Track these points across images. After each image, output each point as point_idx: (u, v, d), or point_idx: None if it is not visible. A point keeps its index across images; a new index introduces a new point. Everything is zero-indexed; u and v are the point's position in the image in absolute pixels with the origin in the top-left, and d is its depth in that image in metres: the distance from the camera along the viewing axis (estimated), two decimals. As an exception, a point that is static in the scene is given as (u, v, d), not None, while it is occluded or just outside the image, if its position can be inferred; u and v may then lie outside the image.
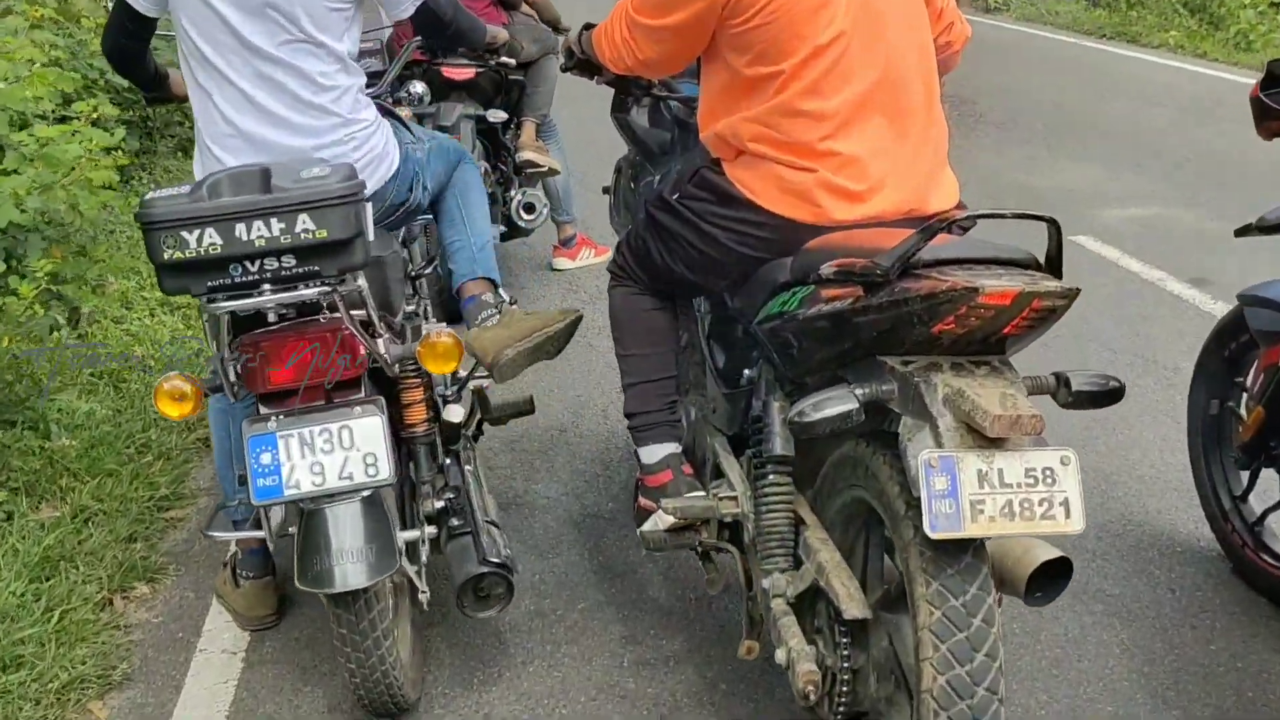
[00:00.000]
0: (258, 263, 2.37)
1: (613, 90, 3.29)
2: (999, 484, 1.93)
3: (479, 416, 3.55)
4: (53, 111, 5.12)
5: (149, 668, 3.18)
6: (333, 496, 2.51)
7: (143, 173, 6.94)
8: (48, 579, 3.36)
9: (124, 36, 3.00)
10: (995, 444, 1.94)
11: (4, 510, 3.58)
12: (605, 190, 3.74)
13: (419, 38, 3.66)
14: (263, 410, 2.56)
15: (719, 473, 2.78)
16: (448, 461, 3.15)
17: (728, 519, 2.64)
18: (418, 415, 2.96)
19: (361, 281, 2.55)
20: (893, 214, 2.44)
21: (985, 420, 1.89)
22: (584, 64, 3.07)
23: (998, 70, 11.30)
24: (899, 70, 2.46)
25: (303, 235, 2.35)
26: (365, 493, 2.53)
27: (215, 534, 2.92)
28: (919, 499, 1.94)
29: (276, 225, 2.34)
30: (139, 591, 3.51)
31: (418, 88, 4.68)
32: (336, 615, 2.60)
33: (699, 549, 2.77)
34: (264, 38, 2.77)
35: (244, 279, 2.38)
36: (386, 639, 2.64)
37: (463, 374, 3.19)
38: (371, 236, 2.54)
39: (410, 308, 3.26)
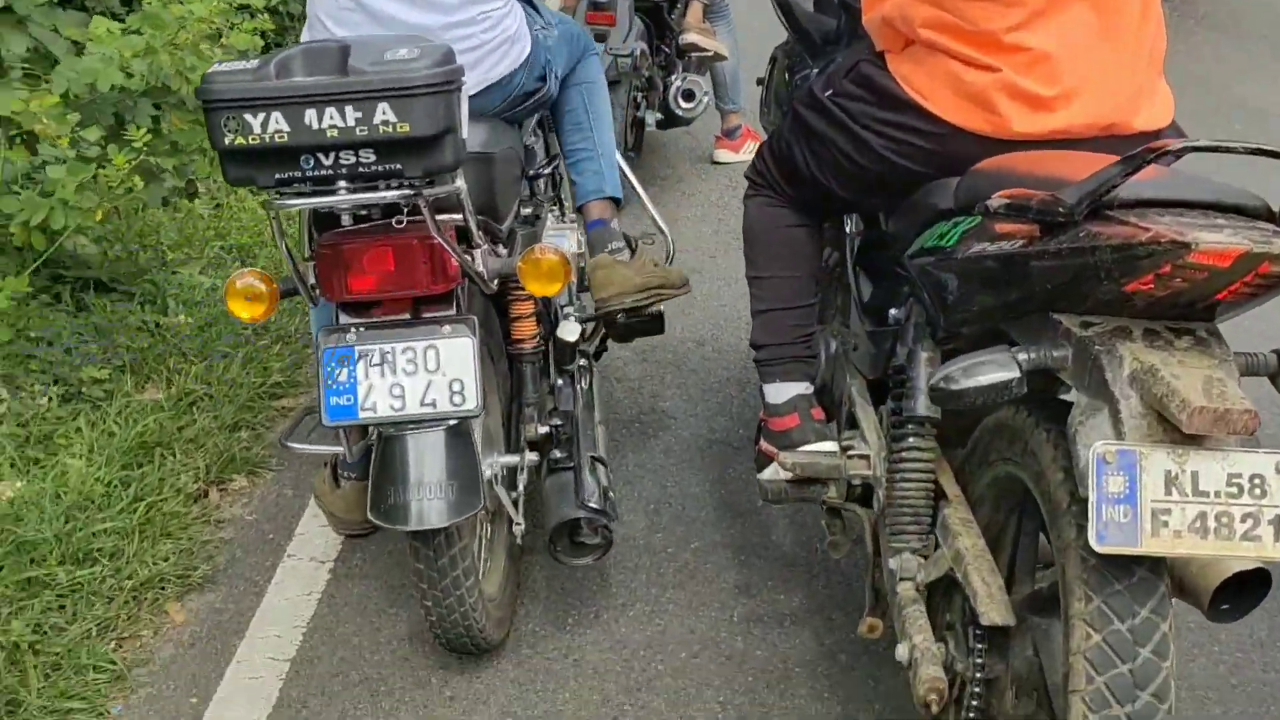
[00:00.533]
0: (332, 156, 2.04)
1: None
2: (1192, 492, 1.52)
3: (602, 332, 3.24)
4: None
5: (233, 570, 3.00)
6: (413, 424, 2.24)
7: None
8: (141, 466, 3.19)
9: None
10: (1191, 440, 1.53)
11: (104, 389, 3.41)
12: (759, 82, 3.33)
13: None
14: (342, 319, 2.27)
15: (853, 422, 2.41)
16: (559, 383, 2.88)
17: (856, 481, 2.28)
18: (526, 330, 2.68)
19: (460, 183, 2.20)
20: (1086, 129, 2.00)
21: (1182, 412, 1.48)
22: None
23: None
24: None
25: (381, 128, 2.01)
26: (450, 422, 2.25)
27: (293, 445, 2.63)
28: (1087, 499, 1.55)
29: (351, 114, 2.00)
30: (237, 484, 3.34)
31: None
32: (414, 550, 2.35)
33: (823, 505, 2.41)
34: None
35: (317, 173, 2.06)
36: (468, 578, 2.39)
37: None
38: (466, 132, 2.20)
39: (528, 210, 2.92)
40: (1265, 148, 1.55)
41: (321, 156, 2.04)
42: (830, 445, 2.36)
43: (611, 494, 2.64)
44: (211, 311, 3.93)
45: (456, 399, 2.21)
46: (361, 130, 2.01)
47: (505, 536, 2.72)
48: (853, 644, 2.62)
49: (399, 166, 2.07)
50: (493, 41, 2.60)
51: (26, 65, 3.30)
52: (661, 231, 3.41)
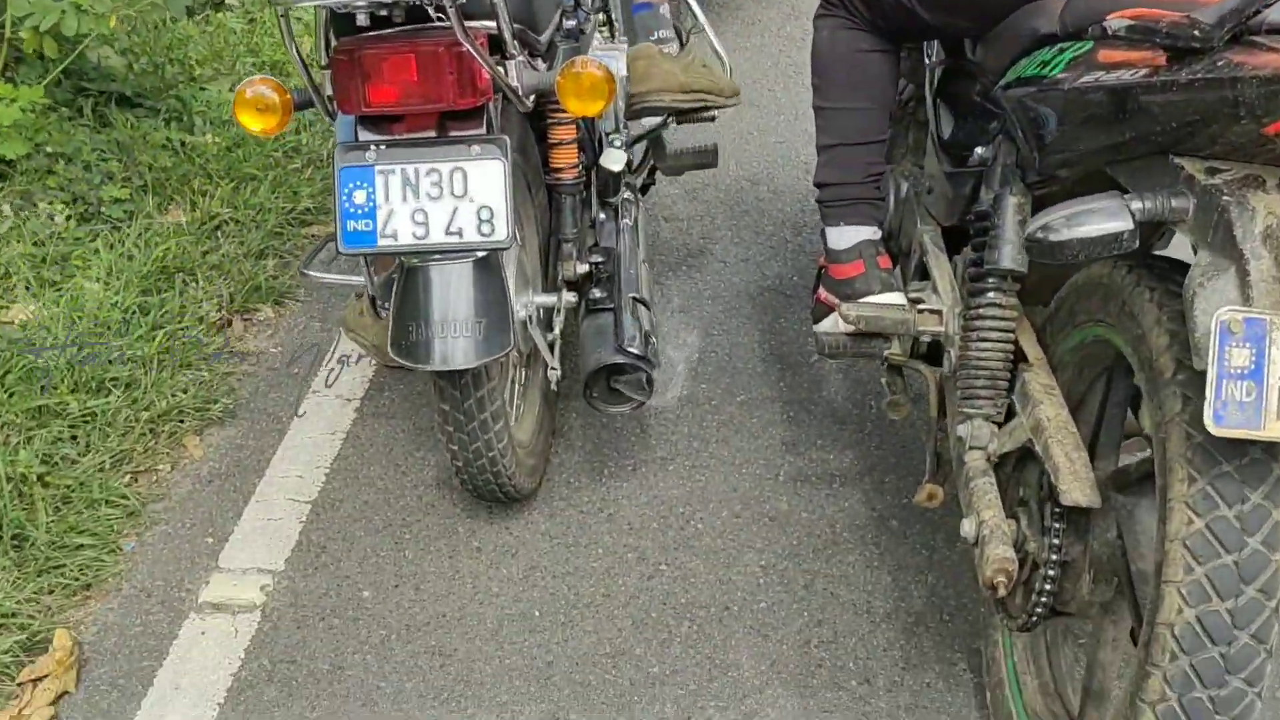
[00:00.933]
0: None
1: None
2: (1330, 367, 1.31)
3: (650, 164, 3.02)
4: None
5: (256, 404, 2.86)
6: (439, 253, 2.04)
7: None
8: (161, 292, 3.04)
9: None
10: (1333, 309, 1.31)
11: (124, 209, 3.24)
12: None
13: None
14: (361, 136, 2.04)
15: (924, 272, 2.19)
16: (602, 217, 2.67)
17: (926, 338, 2.07)
18: (566, 158, 2.45)
19: None
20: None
21: (1327, 275, 1.26)
22: None
23: None
24: None
25: None
26: (479, 254, 2.05)
27: (312, 274, 2.47)
28: (1203, 372, 1.34)
29: None
30: (262, 315, 3.18)
31: None
32: (439, 390, 2.18)
33: (884, 362, 2.21)
34: None
35: None
36: (496, 422, 2.22)
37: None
38: None
39: (571, 23, 2.64)
40: None
41: None
42: (898, 297, 2.15)
43: (654, 339, 2.45)
44: (240, 131, 3.70)
45: (485, 228, 2.01)
46: None
47: (540, 381, 2.56)
48: (906, 510, 2.45)
49: None
50: None
51: None
52: (719, 56, 3.12)
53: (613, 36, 3.14)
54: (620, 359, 2.32)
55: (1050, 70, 1.61)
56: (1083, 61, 1.55)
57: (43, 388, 2.62)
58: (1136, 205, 1.43)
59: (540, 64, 2.34)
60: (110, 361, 2.74)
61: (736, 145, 3.97)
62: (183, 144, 3.59)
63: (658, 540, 2.43)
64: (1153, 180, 1.48)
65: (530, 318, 2.33)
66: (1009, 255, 1.77)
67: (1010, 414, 1.84)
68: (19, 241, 3.04)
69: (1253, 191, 1.38)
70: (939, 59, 2.24)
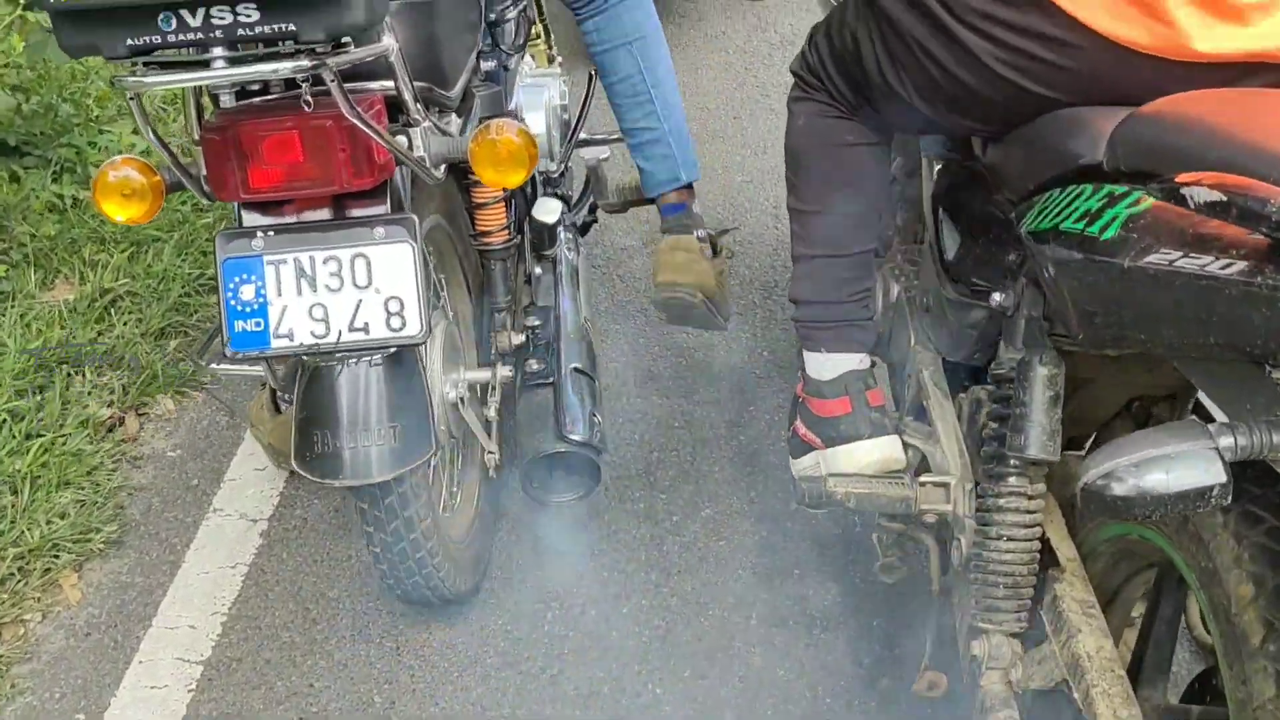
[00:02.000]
0: (200, 14, 1.47)
1: None
2: None
3: (590, 200, 2.74)
4: None
5: (147, 528, 2.48)
6: (342, 353, 1.76)
7: None
8: (41, 391, 2.64)
9: None
10: None
11: (2, 289, 2.83)
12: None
13: None
14: (246, 221, 1.75)
15: (920, 410, 1.83)
16: (538, 271, 2.43)
17: (930, 519, 1.70)
18: (493, 220, 2.18)
19: (388, 40, 1.63)
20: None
21: None
22: None
23: None
24: None
25: None
26: (390, 350, 1.78)
27: (212, 366, 2.13)
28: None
29: None
30: (160, 409, 2.79)
31: None
32: (354, 489, 1.89)
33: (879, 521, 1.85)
34: None
35: (182, 37, 1.48)
36: (422, 520, 1.96)
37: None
38: None
39: (489, 65, 2.24)
40: None
41: (186, 15, 1.47)
42: (892, 444, 1.78)
43: (598, 418, 2.16)
44: (142, 183, 3.31)
45: (395, 321, 1.73)
46: None
47: (477, 465, 2.25)
48: (900, 664, 2.08)
49: (292, 27, 1.50)
50: None
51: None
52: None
53: (549, 59, 2.80)
54: (561, 447, 2.08)
55: (1098, 230, 1.23)
56: (1144, 225, 1.17)
57: (-116, 531, 2.23)
58: (1227, 443, 1.06)
59: (454, 121, 2.03)
60: (-30, 490, 2.35)
61: (700, 187, 3.51)
62: (74, 201, 3.18)
63: (608, 710, 2.06)
64: (1245, 398, 1.11)
65: (462, 399, 2.05)
66: (1037, 442, 1.40)
67: (1033, 626, 1.49)
68: (-127, 334, 2.64)
69: (1384, 427, 1.02)
70: (941, 150, 1.86)
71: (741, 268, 3.21)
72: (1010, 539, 1.46)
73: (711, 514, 2.44)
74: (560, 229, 2.49)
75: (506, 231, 2.21)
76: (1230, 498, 1.07)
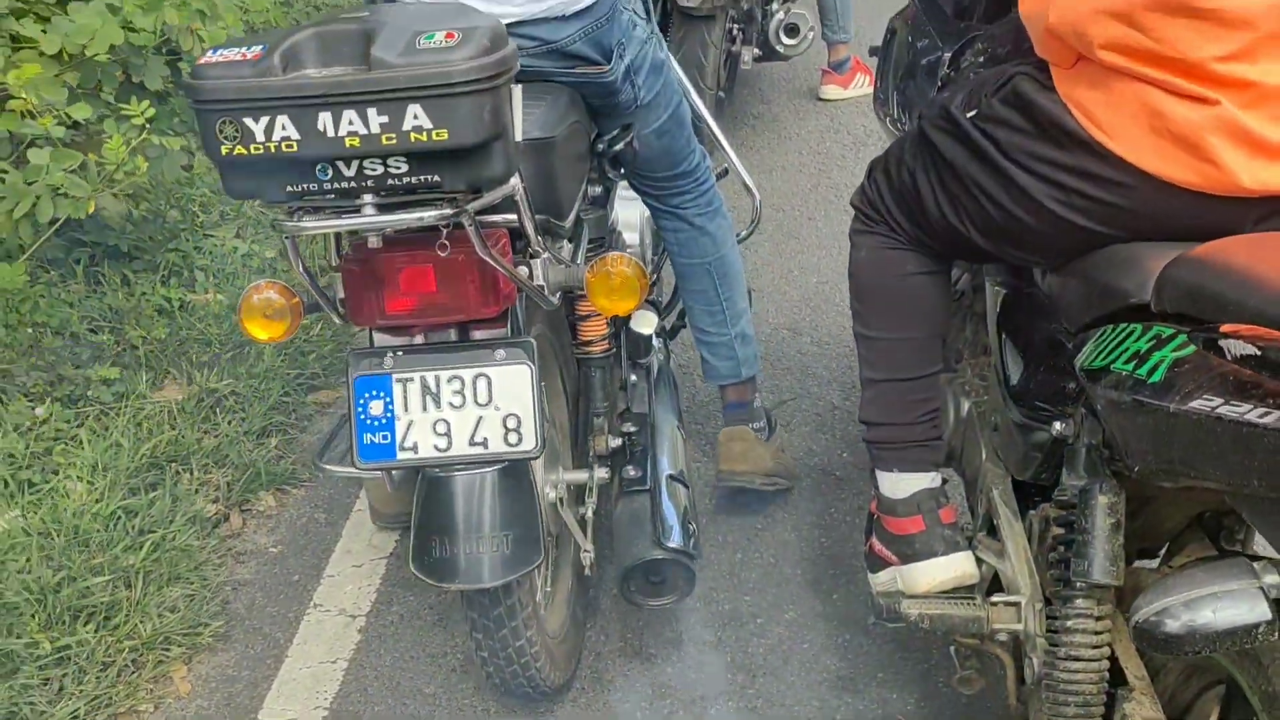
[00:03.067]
0: (355, 165, 1.63)
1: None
2: None
3: (678, 308, 2.88)
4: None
5: (251, 622, 2.59)
6: (462, 465, 1.90)
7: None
8: (152, 488, 2.78)
9: None
10: None
11: (114, 391, 2.99)
12: (872, 52, 2.73)
13: None
14: (377, 341, 1.92)
15: (992, 527, 1.90)
16: (633, 379, 2.57)
17: (1003, 637, 1.77)
18: (596, 330, 2.37)
19: (514, 182, 1.77)
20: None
21: None
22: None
23: None
24: None
25: (413, 135, 1.59)
26: (503, 463, 1.92)
27: (330, 468, 2.20)
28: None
29: (375, 119, 1.58)
30: (262, 505, 2.92)
31: None
32: (465, 598, 2.04)
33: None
34: None
35: (337, 185, 1.65)
36: (528, 628, 2.08)
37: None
38: (519, 134, 1.80)
39: (596, 190, 2.44)
40: None
41: (342, 166, 1.63)
42: (966, 560, 1.85)
43: (693, 525, 2.28)
44: (244, 284, 3.46)
45: (512, 437, 1.87)
46: (389, 138, 1.59)
47: (572, 562, 2.35)
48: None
49: (437, 179, 1.66)
50: None
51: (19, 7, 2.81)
52: (749, 190, 3.06)
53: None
54: (659, 554, 2.19)
55: (1146, 372, 1.31)
56: (1188, 371, 1.25)
57: (11, 627, 2.36)
58: (1272, 581, 1.14)
59: (566, 248, 2.22)
60: (87, 588, 2.47)
61: (775, 287, 3.70)
62: (181, 304, 3.35)
63: (697, 810, 2.13)
64: (1293, 530, 1.18)
65: (560, 499, 2.16)
66: (1101, 568, 1.47)
67: None
68: (-1, 435, 2.80)
69: None
70: (1003, 277, 1.95)
71: (820, 369, 3.31)
72: (1078, 659, 1.53)
73: (795, 616, 2.51)
74: (654, 337, 2.62)
75: (606, 341, 2.36)
76: (1277, 634, 1.13)
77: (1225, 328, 1.24)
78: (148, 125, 2.59)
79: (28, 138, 2.66)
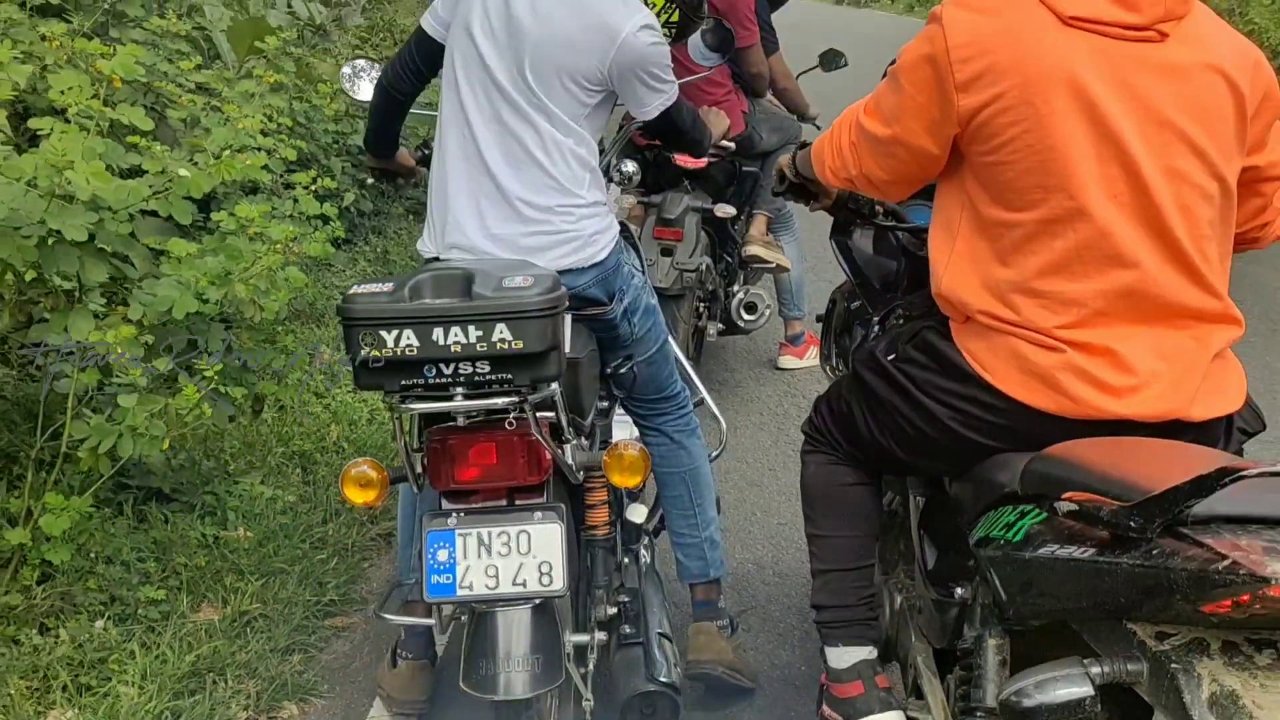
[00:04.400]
0: (452, 366, 2.31)
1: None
2: (1282, 834, 1.43)
3: (660, 512, 3.37)
4: (275, 181, 5.09)
5: (280, 811, 2.93)
6: (504, 601, 2.42)
7: (373, 235, 6.93)
8: (192, 694, 3.16)
9: (410, 68, 3.06)
10: (1282, 775, 1.45)
11: (160, 610, 3.41)
12: (818, 319, 3.34)
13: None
14: (445, 505, 2.50)
15: (920, 690, 2.34)
16: (625, 561, 3.08)
17: (926, 769, 2.20)
18: (600, 517, 2.92)
19: (555, 386, 2.42)
20: (1154, 417, 1.97)
21: (1268, 751, 1.41)
22: (797, 188, 2.73)
23: (1288, 167, 10.26)
24: (1183, 254, 2.00)
25: (499, 344, 2.28)
26: (536, 601, 2.44)
27: (388, 616, 2.85)
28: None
29: (474, 332, 2.27)
30: (286, 713, 3.28)
31: (629, 166, 4.39)
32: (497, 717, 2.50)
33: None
34: (503, 88, 2.78)
35: (437, 380, 2.33)
36: None
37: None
38: (568, 347, 2.49)
39: (604, 405, 3.12)
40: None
41: (443, 366, 2.30)
42: (897, 717, 2.28)
43: (678, 668, 2.86)
44: (270, 525, 3.94)
45: (545, 579, 2.39)
46: (481, 346, 2.27)
47: (573, 713, 2.77)
48: None
49: (509, 376, 2.33)
50: (568, 234, 2.80)
51: (103, 285, 3.38)
52: (717, 419, 3.67)
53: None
54: (653, 687, 2.75)
55: (1014, 535, 1.81)
56: (1040, 531, 1.76)
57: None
58: (1096, 670, 1.60)
59: (585, 442, 2.81)
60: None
61: (741, 527, 4.18)
62: (215, 539, 3.79)
63: None
64: (1111, 643, 1.65)
65: (568, 655, 2.60)
66: (992, 694, 1.93)
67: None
68: (57, 647, 3.19)
69: (1198, 658, 1.55)
70: (920, 489, 2.46)
71: (781, 596, 3.76)
72: (982, 771, 1.96)
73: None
74: (642, 528, 3.16)
75: (608, 528, 2.92)
76: (1100, 707, 1.59)
77: (1064, 496, 1.74)
78: (211, 380, 3.11)
79: (107, 385, 3.18)
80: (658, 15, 3.26)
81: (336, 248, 5.15)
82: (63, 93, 3.15)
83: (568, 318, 2.45)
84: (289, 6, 7.27)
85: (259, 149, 3.92)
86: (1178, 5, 2.01)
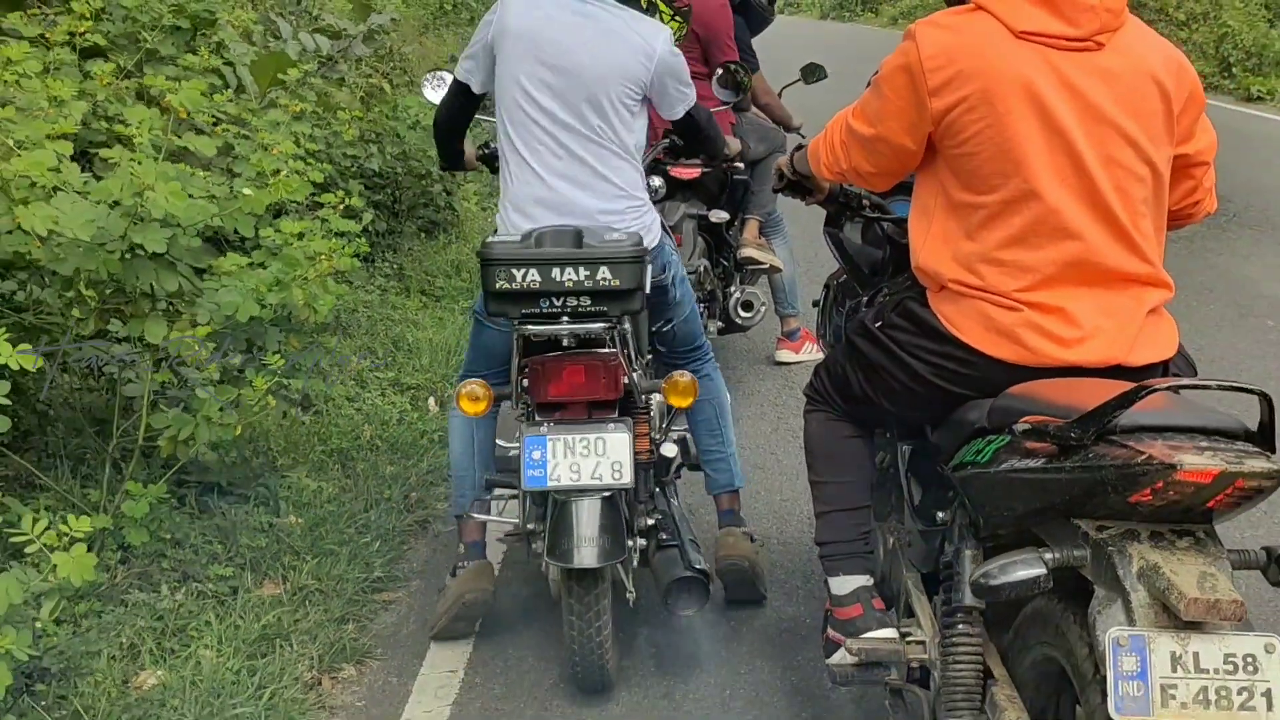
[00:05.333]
0: (563, 299, 2.99)
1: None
2: (1194, 669, 1.82)
3: (680, 461, 3.85)
4: (304, 202, 5.47)
5: (347, 752, 3.30)
6: (583, 491, 3.02)
7: (389, 252, 7.31)
8: (263, 656, 3.53)
9: (454, 111, 3.72)
10: (1192, 626, 1.84)
11: (229, 585, 3.78)
12: (815, 304, 3.74)
13: (668, 138, 4.18)
14: (538, 418, 3.11)
15: (911, 611, 2.72)
16: (658, 490, 3.53)
17: (915, 665, 2.58)
18: (643, 445, 3.37)
19: (629, 325, 3.12)
20: (1100, 363, 2.36)
21: (1180, 602, 1.80)
22: (795, 185, 3.11)
23: (1257, 166, 10.74)
24: (1121, 229, 2.39)
25: (601, 281, 2.96)
26: (607, 492, 3.03)
27: (474, 515, 3.58)
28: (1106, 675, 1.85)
29: (583, 272, 2.95)
30: (346, 673, 3.65)
31: (656, 181, 4.85)
32: (569, 590, 3.06)
33: (887, 686, 2.71)
34: (568, 124, 3.36)
35: (549, 309, 3.00)
36: (605, 614, 3.05)
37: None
38: (648, 290, 3.09)
39: (648, 356, 3.66)
40: (1236, 384, 1.90)
41: (555, 299, 2.99)
42: (891, 632, 2.67)
43: (707, 564, 3.39)
44: (319, 512, 4.32)
45: (616, 474, 3.02)
46: (588, 283, 2.96)
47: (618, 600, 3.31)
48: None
49: (605, 309, 3.02)
50: (631, 228, 3.37)
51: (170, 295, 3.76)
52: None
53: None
54: (689, 573, 3.27)
55: (982, 457, 2.20)
56: (1004, 451, 2.15)
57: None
58: (1048, 555, 1.99)
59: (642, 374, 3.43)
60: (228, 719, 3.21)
61: (748, 504, 4.52)
62: (270, 525, 4.17)
63: None
64: (1061, 536, 2.04)
65: (628, 544, 3.16)
66: (969, 595, 2.32)
67: (985, 720, 2.34)
68: (140, 618, 3.56)
69: (1130, 542, 1.94)
70: (906, 440, 2.85)
71: (786, 560, 4.14)
72: (960, 661, 2.34)
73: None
74: (672, 465, 3.63)
75: (650, 452, 3.38)
76: (1052, 584, 1.98)
77: (1021, 421, 2.13)
78: (276, 374, 3.50)
79: (176, 383, 3.57)
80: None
81: (361, 262, 5.53)
82: (136, 125, 3.53)
83: (650, 266, 3.12)
84: (297, 39, 7.69)
85: (294, 172, 4.32)
86: (1112, 19, 2.41)
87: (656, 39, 3.39)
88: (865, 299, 3.19)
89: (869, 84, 2.62)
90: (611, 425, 3.02)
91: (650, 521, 3.33)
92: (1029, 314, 2.39)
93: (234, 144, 4.84)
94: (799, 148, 3.07)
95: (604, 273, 2.93)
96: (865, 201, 3.16)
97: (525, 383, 3.08)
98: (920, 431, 2.73)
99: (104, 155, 3.68)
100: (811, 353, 5.99)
